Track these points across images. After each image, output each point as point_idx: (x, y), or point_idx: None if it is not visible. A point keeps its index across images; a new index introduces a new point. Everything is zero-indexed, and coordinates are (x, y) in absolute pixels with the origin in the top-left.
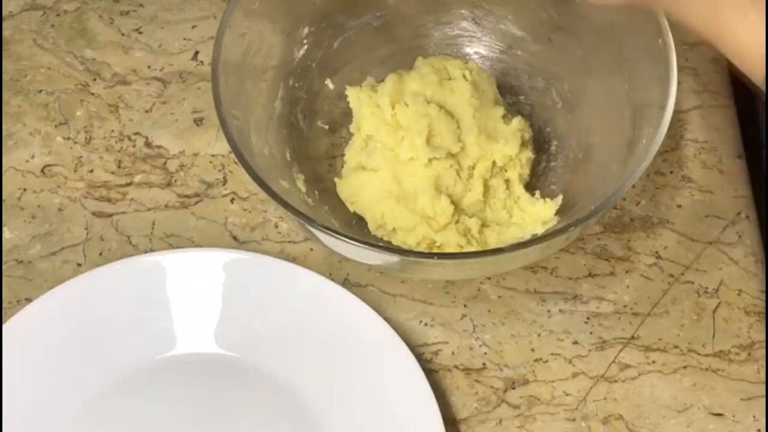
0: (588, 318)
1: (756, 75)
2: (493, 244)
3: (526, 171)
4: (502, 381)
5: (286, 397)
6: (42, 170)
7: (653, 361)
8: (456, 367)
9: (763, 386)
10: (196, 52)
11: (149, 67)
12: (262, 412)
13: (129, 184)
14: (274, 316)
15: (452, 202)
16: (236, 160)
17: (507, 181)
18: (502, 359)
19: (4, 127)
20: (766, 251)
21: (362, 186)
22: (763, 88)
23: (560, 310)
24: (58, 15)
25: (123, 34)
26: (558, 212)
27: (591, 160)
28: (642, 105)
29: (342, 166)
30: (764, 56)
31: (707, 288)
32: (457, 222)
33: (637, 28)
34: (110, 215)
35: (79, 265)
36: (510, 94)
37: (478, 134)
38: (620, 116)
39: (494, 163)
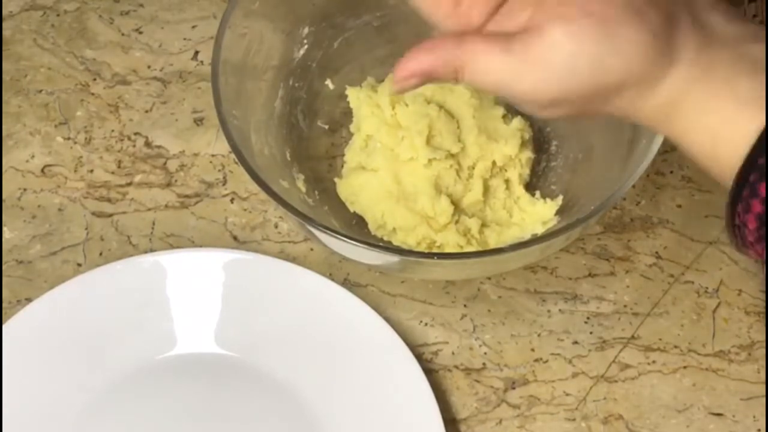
0: (588, 318)
1: (715, 173)
2: (493, 244)
3: (526, 171)
4: (502, 381)
5: (286, 397)
6: (42, 170)
7: (653, 361)
8: (456, 367)
9: (763, 386)
10: (196, 52)
11: (149, 67)
12: (262, 412)
13: (129, 184)
14: (274, 316)
15: (452, 202)
16: (236, 160)
17: (507, 181)
18: (502, 359)
19: (4, 127)
20: (766, 251)
21: (362, 186)
22: (721, 181)
23: (560, 310)
24: (58, 15)
25: (123, 34)
26: (558, 212)
27: (591, 160)
28: None
29: (342, 166)
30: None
31: (707, 288)
32: (457, 222)
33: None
34: (110, 215)
35: (79, 265)
36: None
37: (478, 134)
38: None
39: (494, 163)
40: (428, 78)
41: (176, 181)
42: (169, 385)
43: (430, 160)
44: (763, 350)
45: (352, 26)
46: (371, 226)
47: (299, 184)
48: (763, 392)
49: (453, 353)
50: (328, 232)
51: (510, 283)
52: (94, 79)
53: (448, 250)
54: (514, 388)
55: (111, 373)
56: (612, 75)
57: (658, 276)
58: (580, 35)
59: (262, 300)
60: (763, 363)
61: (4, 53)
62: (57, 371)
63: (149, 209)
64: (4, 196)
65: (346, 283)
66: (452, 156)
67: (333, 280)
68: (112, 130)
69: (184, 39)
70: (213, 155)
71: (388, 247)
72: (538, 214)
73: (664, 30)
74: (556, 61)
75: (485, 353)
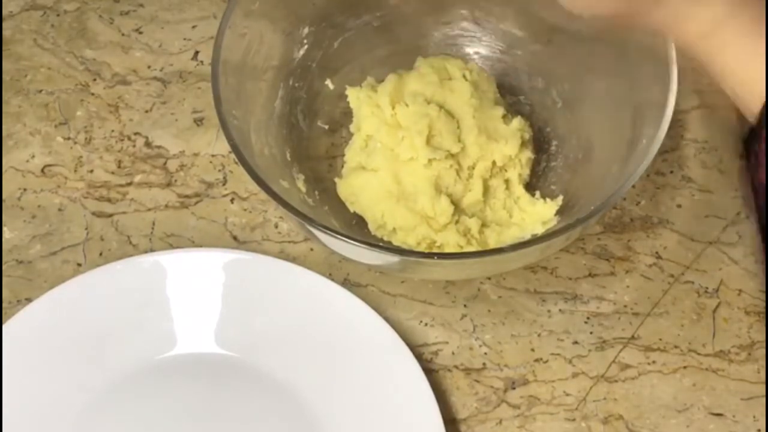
0: (588, 318)
1: (745, 104)
2: (493, 244)
3: (526, 171)
4: (502, 381)
5: (286, 397)
6: (42, 170)
7: (653, 361)
8: (456, 367)
9: (763, 386)
10: (196, 52)
11: (149, 67)
12: (261, 412)
13: (129, 184)
14: (274, 316)
15: (452, 202)
16: (236, 160)
17: (507, 181)
18: (502, 359)
19: (4, 127)
20: (766, 251)
21: (362, 186)
22: (748, 113)
23: (560, 310)
24: (58, 15)
25: (123, 34)
26: (558, 212)
27: (591, 160)
28: (642, 105)
29: (342, 166)
30: (757, 88)
31: (707, 288)
32: (457, 222)
33: (638, 28)
34: (110, 215)
35: (79, 265)
36: (510, 94)
37: (478, 134)
38: (620, 116)
39: (494, 163)
40: None
41: (176, 181)
42: (169, 385)
43: (430, 160)
44: (763, 350)
45: (352, 26)
46: (371, 226)
47: (299, 184)
48: (763, 392)
49: (453, 353)
50: (328, 232)
51: (510, 283)
52: (94, 79)
53: (448, 250)
54: (514, 388)
55: (111, 373)
56: None
57: (658, 276)
58: None
59: (262, 300)
60: (763, 363)
61: (4, 53)
62: (57, 371)
63: (149, 209)
64: (4, 196)
65: (346, 283)
66: (452, 156)
67: (333, 280)
68: (112, 130)
69: (184, 39)
70: (213, 155)
71: (388, 247)
72: (538, 214)
73: None
74: None
75: (485, 353)
